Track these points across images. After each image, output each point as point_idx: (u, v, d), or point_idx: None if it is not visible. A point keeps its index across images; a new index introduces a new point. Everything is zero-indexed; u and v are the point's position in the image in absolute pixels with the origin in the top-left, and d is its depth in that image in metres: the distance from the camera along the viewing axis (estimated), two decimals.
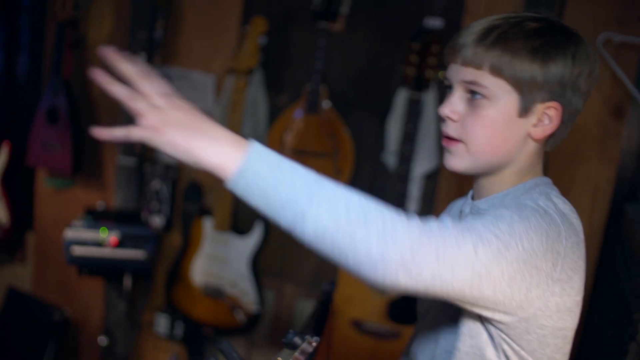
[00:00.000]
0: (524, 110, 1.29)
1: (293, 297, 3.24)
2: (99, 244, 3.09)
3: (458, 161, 1.35)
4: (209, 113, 3.18)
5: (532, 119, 1.31)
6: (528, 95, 1.28)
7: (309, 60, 2.93)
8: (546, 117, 1.31)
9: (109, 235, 3.09)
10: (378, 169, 3.00)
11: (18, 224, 3.55)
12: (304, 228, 1.09)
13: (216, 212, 3.08)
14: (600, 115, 2.66)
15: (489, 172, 1.37)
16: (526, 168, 1.36)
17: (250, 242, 3.09)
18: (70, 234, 3.07)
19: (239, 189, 1.11)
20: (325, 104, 2.94)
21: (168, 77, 3.16)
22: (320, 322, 2.09)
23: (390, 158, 2.94)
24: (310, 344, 1.33)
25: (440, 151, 2.86)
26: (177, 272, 3.20)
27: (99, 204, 3.30)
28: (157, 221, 3.27)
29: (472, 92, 1.31)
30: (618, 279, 2.23)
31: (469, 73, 1.31)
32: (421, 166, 2.89)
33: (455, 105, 1.34)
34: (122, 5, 3.31)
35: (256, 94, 3.08)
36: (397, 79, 2.90)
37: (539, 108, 1.30)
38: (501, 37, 1.28)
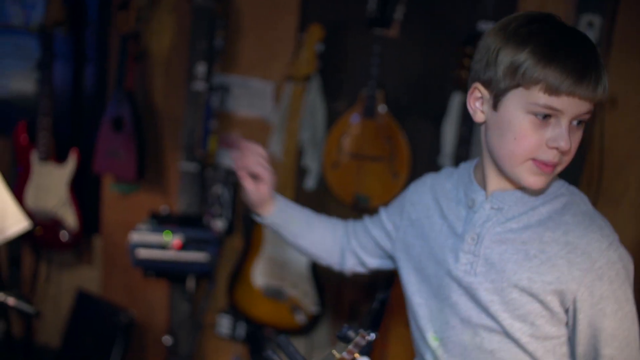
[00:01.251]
0: None
1: (352, 298, 3.32)
2: (163, 246, 3.20)
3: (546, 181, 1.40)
4: (268, 120, 3.28)
5: None
6: None
7: (365, 66, 3.01)
8: None
9: (172, 239, 3.20)
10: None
11: (86, 228, 3.70)
12: None
13: None
14: None
15: None
16: None
17: None
18: (135, 237, 3.20)
19: None
20: (381, 109, 3.02)
21: (228, 85, 3.28)
22: (376, 319, 2.17)
23: (446, 161, 3.00)
24: (363, 337, 1.38)
25: None
26: (239, 274, 3.31)
27: (163, 208, 3.43)
28: (219, 225, 3.38)
29: (578, 121, 1.34)
30: None
31: (587, 106, 1.33)
32: None
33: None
34: (183, 17, 3.43)
35: (314, 99, 3.17)
36: (451, 83, 2.96)
37: None
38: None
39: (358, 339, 1.39)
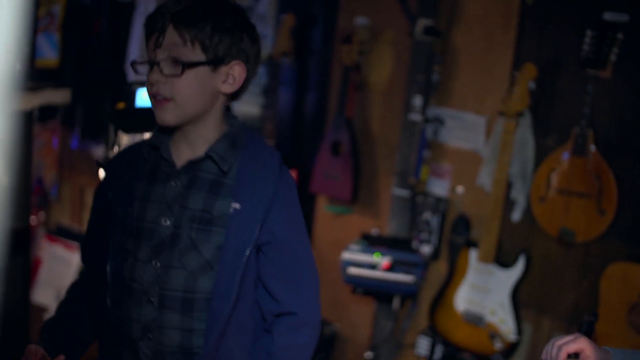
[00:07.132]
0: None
1: (550, 330, 3.59)
2: (372, 266, 3.65)
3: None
4: (479, 152, 3.65)
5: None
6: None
7: (576, 105, 3.31)
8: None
9: (382, 259, 3.63)
10: None
11: None
12: None
13: (482, 245, 3.54)
14: None
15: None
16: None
17: (512, 274, 3.51)
18: (347, 255, 3.66)
19: None
20: (592, 147, 3.29)
21: (442, 118, 3.68)
22: None
23: None
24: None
25: None
26: (442, 297, 3.69)
27: (374, 230, 3.89)
28: (426, 250, 3.78)
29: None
30: None
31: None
32: None
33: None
34: (401, 51, 3.89)
35: (524, 135, 3.51)
36: None
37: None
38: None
39: None
